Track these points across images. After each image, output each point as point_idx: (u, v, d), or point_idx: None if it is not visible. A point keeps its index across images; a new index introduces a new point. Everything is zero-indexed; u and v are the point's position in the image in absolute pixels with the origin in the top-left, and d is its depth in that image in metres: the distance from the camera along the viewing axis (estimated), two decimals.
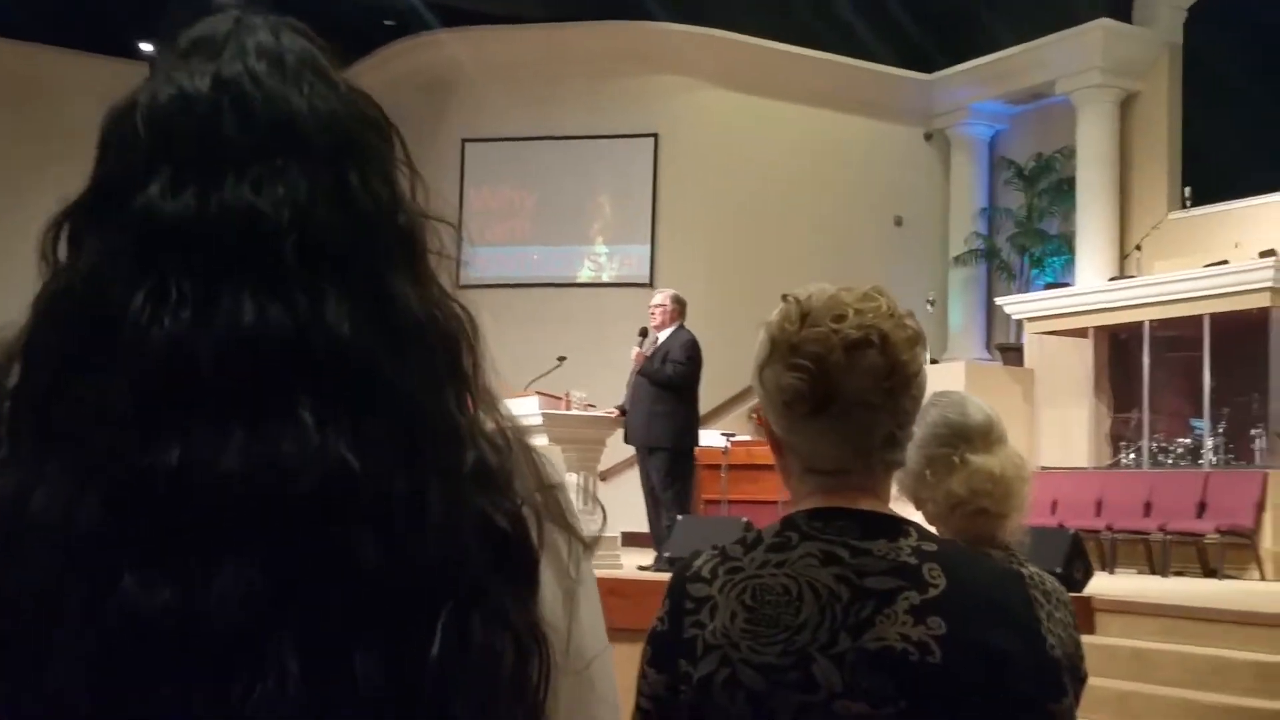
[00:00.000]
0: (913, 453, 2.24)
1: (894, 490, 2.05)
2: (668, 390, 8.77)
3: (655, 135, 15.79)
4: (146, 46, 15.61)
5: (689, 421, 8.92)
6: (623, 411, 9.04)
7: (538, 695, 0.85)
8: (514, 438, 0.92)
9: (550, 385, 9.26)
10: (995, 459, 2.25)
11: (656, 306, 9.05)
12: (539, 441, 8.56)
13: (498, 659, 0.82)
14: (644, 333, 9.02)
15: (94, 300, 0.83)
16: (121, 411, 0.80)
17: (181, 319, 0.81)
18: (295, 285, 0.83)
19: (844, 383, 1.54)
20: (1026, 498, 2.27)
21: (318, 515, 0.79)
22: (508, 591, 0.84)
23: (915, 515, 2.30)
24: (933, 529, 2.28)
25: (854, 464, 1.58)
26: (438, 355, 0.87)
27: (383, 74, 16.46)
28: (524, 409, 8.93)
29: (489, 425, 0.90)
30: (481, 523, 0.84)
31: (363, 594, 0.79)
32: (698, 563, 1.62)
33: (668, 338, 8.94)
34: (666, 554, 8.19)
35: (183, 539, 0.78)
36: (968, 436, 2.26)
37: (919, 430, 2.25)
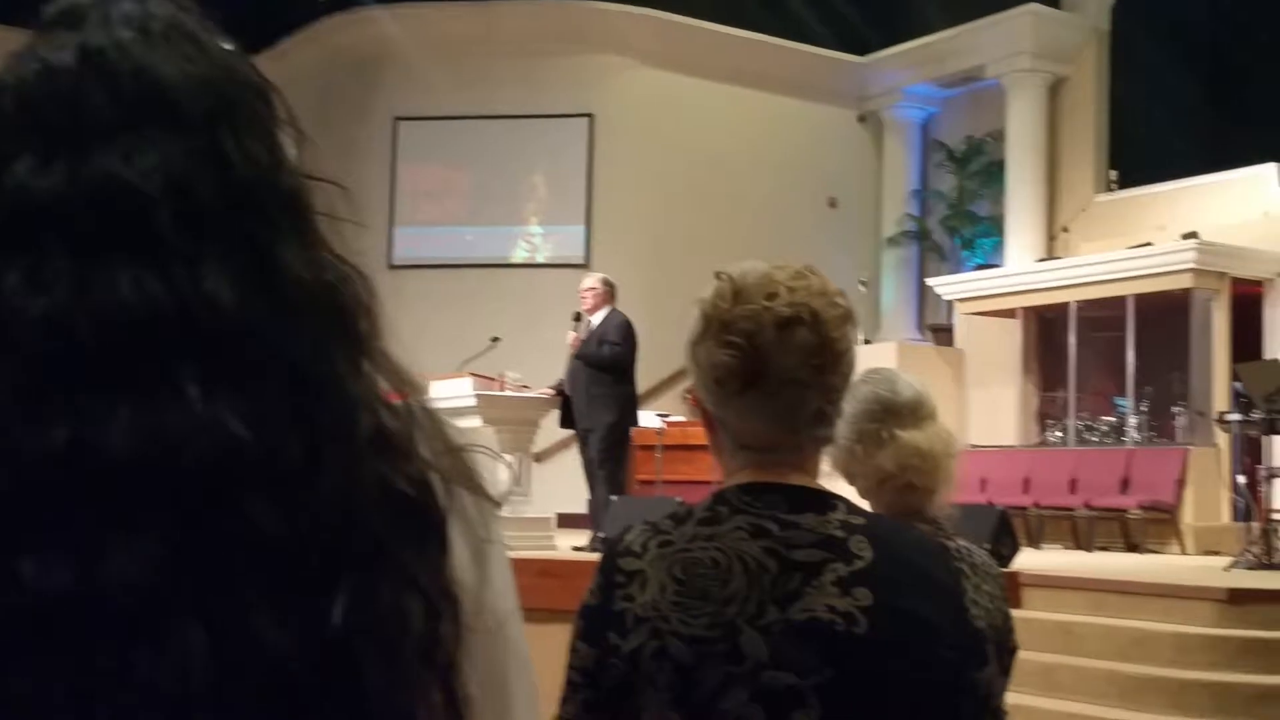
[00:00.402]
0: (844, 428, 2.26)
1: (826, 466, 2.09)
2: (605, 372, 8.78)
3: (590, 115, 15.75)
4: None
5: (627, 402, 8.94)
6: (559, 392, 9.04)
7: (449, 655, 0.84)
8: (415, 401, 0.91)
9: (484, 366, 9.23)
10: (923, 435, 2.28)
11: (587, 290, 9.05)
12: (471, 423, 8.58)
13: (405, 621, 0.82)
14: (577, 317, 9.02)
15: None
16: (3, 394, 0.79)
17: (58, 297, 0.79)
18: (172, 256, 0.81)
19: (775, 360, 1.56)
20: (954, 473, 2.30)
21: (210, 486, 0.78)
22: (414, 554, 0.83)
23: (849, 490, 2.35)
24: (865, 504, 2.33)
25: (784, 440, 1.60)
26: (329, 319, 0.85)
27: (315, 50, 16.30)
28: (458, 390, 8.90)
29: (388, 389, 0.89)
30: (382, 487, 0.83)
31: (262, 562, 0.78)
32: (629, 537, 1.63)
33: (601, 321, 8.93)
34: (602, 534, 8.21)
35: (77, 519, 0.76)
36: (897, 412, 2.29)
37: (850, 406, 2.29)
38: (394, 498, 0.84)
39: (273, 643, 0.77)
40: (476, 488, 0.93)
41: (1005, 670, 2.33)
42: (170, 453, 0.77)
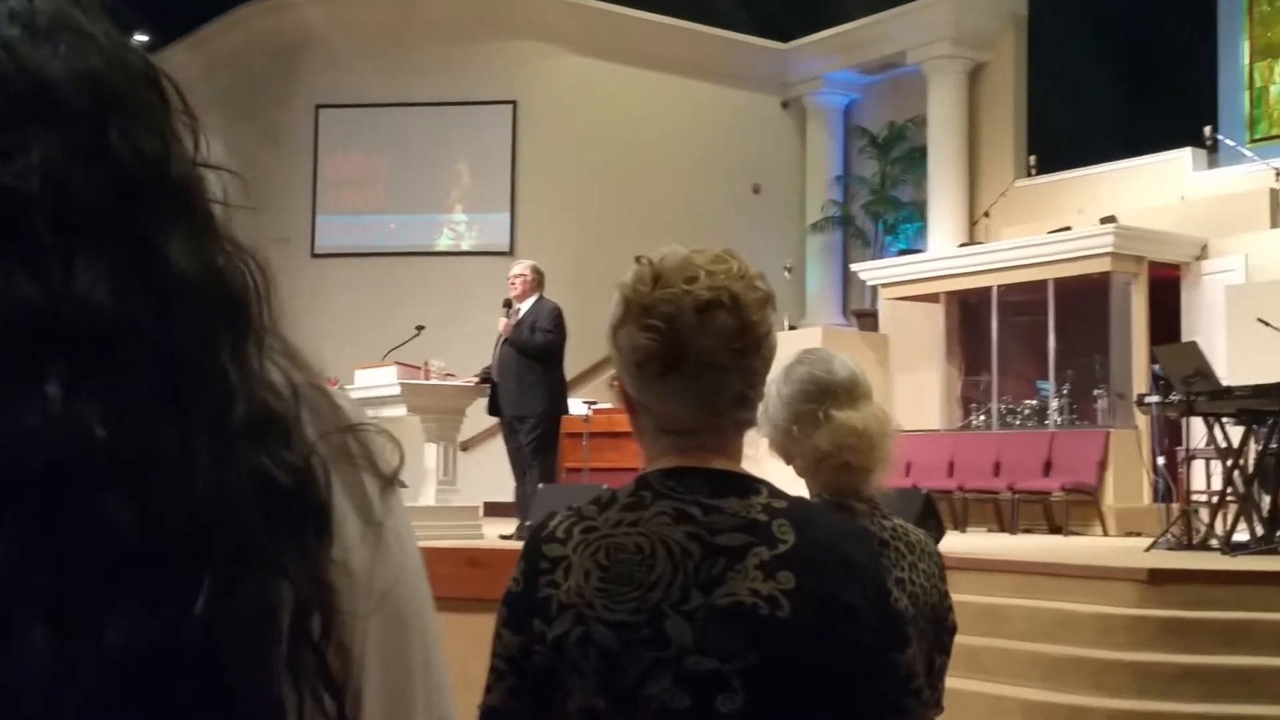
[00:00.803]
0: (781, 410, 2.28)
1: (765, 448, 2.08)
2: (536, 360, 8.74)
3: (514, 102, 15.68)
4: None
5: (558, 390, 8.91)
6: (484, 379, 8.99)
7: (325, 645, 0.83)
8: (304, 384, 0.89)
9: (408, 355, 9.17)
10: (859, 414, 2.29)
11: (516, 277, 9.00)
12: (396, 412, 8.51)
13: (270, 613, 0.80)
14: (508, 304, 8.97)
15: None
16: None
17: None
18: (47, 255, 0.79)
19: (695, 343, 1.56)
20: (890, 452, 2.32)
21: (63, 486, 0.77)
22: (286, 545, 0.82)
23: (787, 471, 2.35)
24: (802, 485, 2.33)
25: (705, 424, 1.60)
26: (213, 310, 0.84)
27: (234, 37, 16.09)
28: (382, 379, 8.84)
29: (275, 376, 0.87)
30: (257, 476, 0.82)
31: (114, 560, 0.77)
32: (552, 524, 1.63)
33: (531, 308, 8.89)
34: (529, 523, 8.18)
35: None
36: (833, 392, 2.30)
37: (786, 387, 2.29)
38: (270, 488, 0.82)
39: (115, 640, 0.76)
40: (366, 466, 0.92)
41: (945, 649, 2.34)
42: (21, 453, 0.76)
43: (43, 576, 0.75)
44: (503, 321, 8.87)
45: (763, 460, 1.70)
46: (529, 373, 8.72)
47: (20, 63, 0.83)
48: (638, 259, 1.63)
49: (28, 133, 0.81)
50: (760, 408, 2.30)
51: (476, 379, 9.02)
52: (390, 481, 0.93)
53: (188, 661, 0.77)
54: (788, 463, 2.36)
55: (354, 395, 8.72)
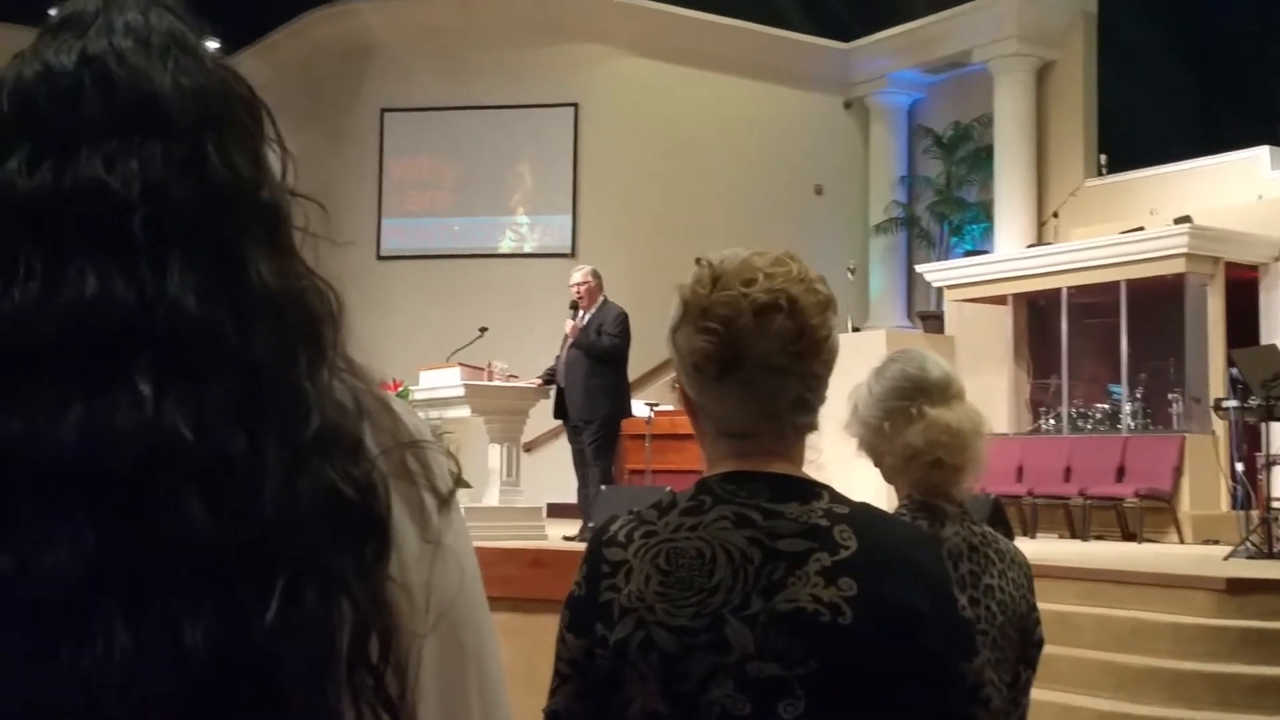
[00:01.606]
0: (873, 407, 2.29)
1: (826, 452, 2.04)
2: (602, 363, 8.75)
3: (575, 105, 15.73)
4: (54, 12, 15.23)
5: (623, 393, 8.94)
6: (546, 381, 9.00)
7: (382, 661, 0.86)
8: (369, 400, 0.93)
9: (472, 356, 9.22)
10: (953, 412, 2.28)
11: (579, 285, 9.01)
12: (460, 413, 8.55)
13: (333, 627, 0.83)
14: (574, 306, 8.98)
15: None
16: None
17: (29, 293, 0.83)
18: (142, 259, 0.84)
19: (752, 346, 1.56)
20: (982, 452, 2.32)
21: (149, 484, 0.80)
22: (349, 559, 0.85)
23: (873, 472, 2.31)
24: (890, 487, 2.30)
25: (763, 427, 1.60)
26: (290, 325, 0.88)
27: (301, 43, 16.27)
28: (446, 380, 8.88)
29: (342, 392, 0.91)
30: (325, 490, 0.85)
31: (192, 563, 0.80)
32: (614, 527, 1.64)
33: (596, 312, 8.91)
34: (591, 524, 8.18)
35: (19, 508, 0.79)
36: (926, 390, 2.29)
37: (878, 385, 2.29)
38: (336, 501, 0.85)
39: (193, 644, 0.78)
40: (425, 483, 0.95)
41: (1031, 663, 2.29)
42: (114, 449, 0.80)
43: (125, 572, 0.79)
44: (569, 324, 8.87)
45: (826, 465, 1.67)
46: (594, 376, 8.74)
47: (131, 74, 0.89)
48: (698, 261, 1.64)
49: (133, 141, 0.87)
50: (849, 407, 2.28)
51: (539, 380, 9.04)
52: (448, 499, 0.97)
53: (253, 670, 0.80)
54: (876, 463, 2.36)
55: (418, 396, 8.80)
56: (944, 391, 2.30)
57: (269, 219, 0.90)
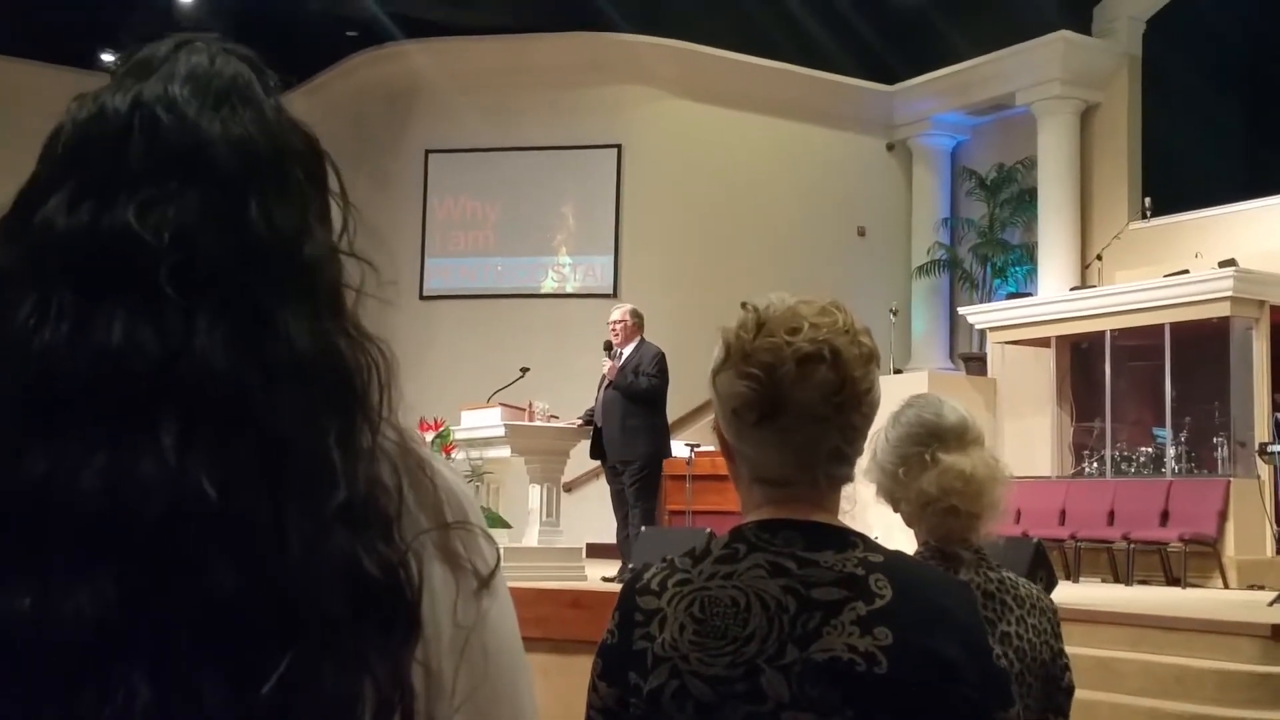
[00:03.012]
0: (888, 453, 2.27)
1: (859, 495, 2.04)
2: (640, 403, 8.74)
3: (619, 146, 15.79)
4: (107, 57, 15.50)
5: (662, 434, 8.92)
6: (587, 422, 9.01)
7: None
8: (412, 475, 0.91)
9: (513, 396, 9.24)
10: (968, 458, 2.25)
11: (616, 324, 9.02)
12: (501, 453, 8.57)
13: (351, 705, 0.81)
14: (608, 347, 8.99)
15: None
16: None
17: (59, 333, 0.82)
18: (171, 309, 0.83)
19: (793, 395, 1.55)
20: (1001, 499, 2.28)
21: (172, 540, 0.79)
22: (372, 638, 0.83)
23: (892, 518, 2.30)
24: (909, 530, 2.28)
25: (799, 476, 1.59)
26: (323, 392, 0.86)
27: (346, 85, 16.44)
28: (487, 420, 8.90)
29: (384, 466, 0.88)
30: (347, 564, 0.83)
31: (213, 623, 0.78)
32: (647, 575, 1.63)
33: (633, 351, 8.91)
34: (631, 565, 8.16)
35: (43, 553, 0.78)
36: (941, 436, 2.27)
37: (894, 431, 2.27)
38: (359, 578, 0.83)
39: (215, 704, 0.77)
40: (463, 565, 0.93)
41: (1061, 711, 2.25)
42: (137, 501, 0.79)
43: (147, 626, 0.77)
44: (608, 364, 8.88)
45: (860, 516, 1.66)
46: (632, 417, 8.72)
47: (179, 121, 0.88)
48: (743, 305, 1.63)
49: (169, 188, 0.86)
50: (867, 453, 2.27)
51: (580, 421, 9.04)
52: (486, 583, 0.94)
53: None
54: (894, 509, 2.33)
55: (459, 435, 8.83)
56: (960, 437, 2.28)
57: (308, 278, 0.88)
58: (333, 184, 0.95)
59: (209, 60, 0.92)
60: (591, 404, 9.06)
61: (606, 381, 8.88)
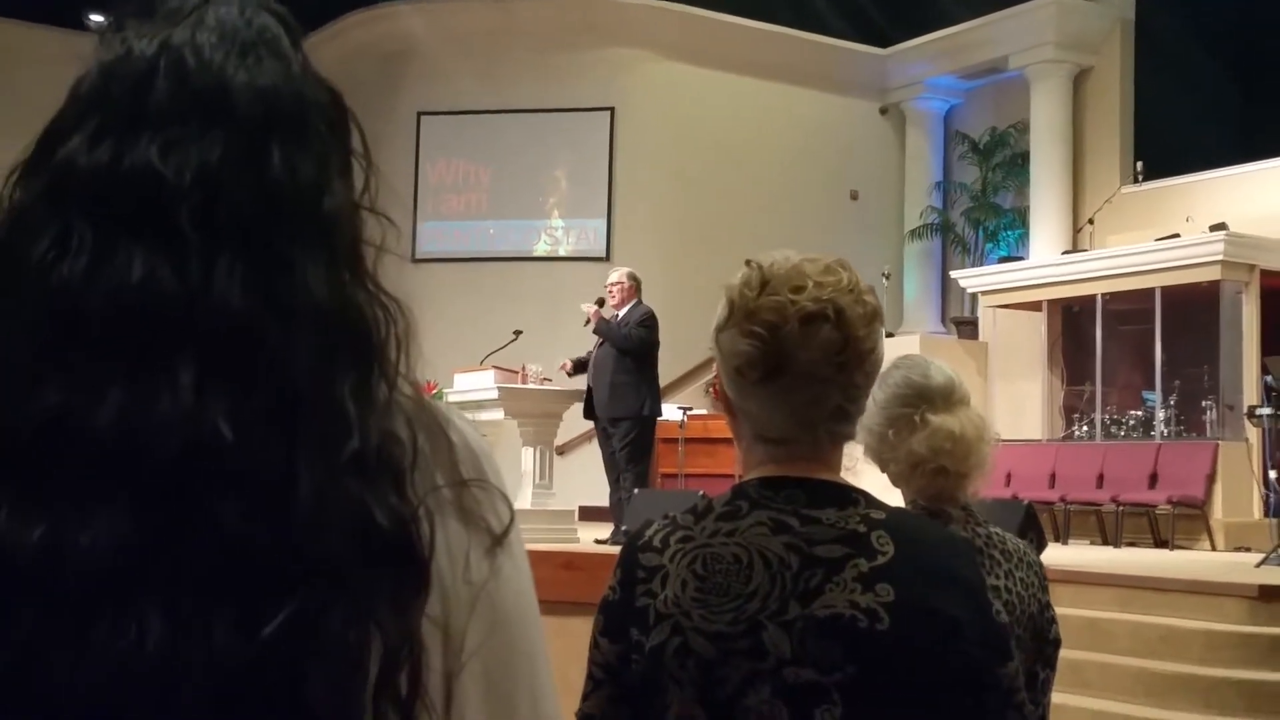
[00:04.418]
0: (876, 414, 2.26)
1: (860, 453, 2.07)
2: (628, 356, 8.74)
3: (611, 109, 15.72)
4: (96, 18, 15.38)
5: (651, 391, 8.91)
6: (576, 367, 9.00)
7: (411, 701, 0.84)
8: (429, 432, 0.91)
9: (506, 359, 9.24)
10: (955, 419, 2.26)
11: (614, 285, 9.02)
12: (494, 416, 8.57)
13: (356, 653, 0.81)
14: (601, 303, 9.00)
15: (10, 244, 0.85)
16: (15, 355, 0.81)
17: (77, 268, 0.82)
18: (191, 249, 0.83)
19: (796, 354, 1.54)
20: (988, 458, 2.29)
21: (186, 478, 0.79)
22: (381, 589, 0.83)
23: (880, 478, 2.32)
24: (896, 492, 2.31)
25: (800, 434, 1.58)
26: (338, 341, 0.86)
27: (338, 46, 16.32)
28: (480, 383, 8.91)
29: (399, 420, 0.89)
30: (357, 514, 0.83)
31: (223, 563, 0.79)
32: (649, 532, 1.62)
33: (627, 312, 8.92)
34: (624, 528, 8.19)
35: (58, 484, 0.79)
36: (929, 397, 2.28)
37: (882, 392, 2.28)
38: (369, 528, 0.83)
39: (224, 644, 0.78)
40: (477, 522, 0.93)
41: (1049, 663, 2.28)
42: (153, 438, 0.79)
43: (161, 561, 0.78)
44: (591, 308, 8.84)
45: (861, 473, 1.67)
46: (621, 373, 8.73)
47: (205, 66, 0.89)
48: (747, 263, 1.62)
49: (193, 131, 0.86)
50: None
51: (569, 364, 9.00)
52: (500, 540, 0.94)
53: (275, 680, 0.79)
54: (883, 469, 2.34)
55: (452, 398, 8.83)
56: (947, 398, 2.29)
57: (327, 228, 0.88)
58: (356, 143, 0.95)
59: (239, 12, 0.93)
60: (583, 355, 9.05)
61: (591, 325, 8.86)
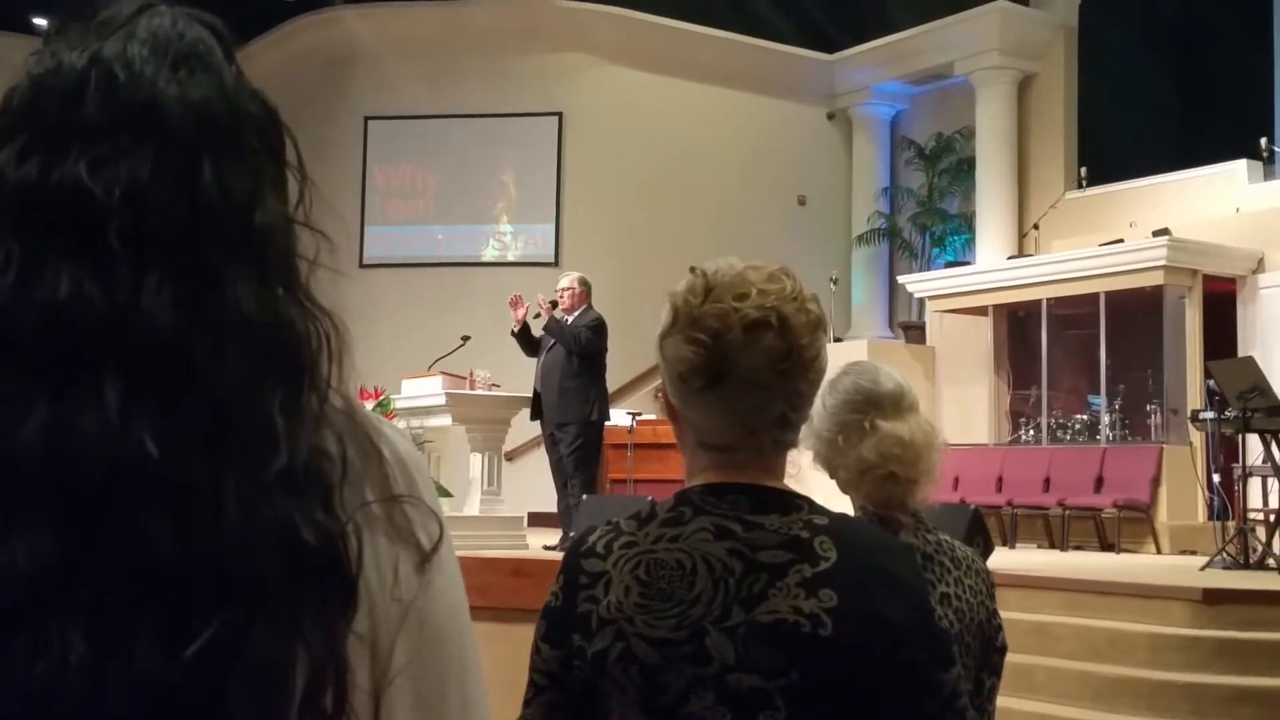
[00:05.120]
0: (826, 420, 2.27)
1: (804, 460, 2.06)
2: (575, 361, 8.74)
3: (559, 114, 15.72)
4: (40, 21, 15.20)
5: (599, 396, 8.91)
6: (522, 331, 8.98)
7: (337, 716, 0.84)
8: (360, 447, 0.91)
9: (454, 365, 9.21)
10: (905, 425, 2.27)
11: (564, 290, 9.03)
12: (441, 421, 8.53)
13: (283, 672, 0.81)
14: (553, 305, 8.99)
15: None
16: None
17: (4, 284, 0.82)
18: (119, 265, 0.83)
19: (739, 361, 1.54)
20: (936, 464, 2.30)
21: (110, 496, 0.79)
22: (307, 607, 0.83)
23: (829, 484, 2.32)
24: (845, 498, 2.30)
25: (744, 441, 1.58)
26: (265, 356, 0.85)
27: (284, 50, 16.22)
28: (428, 389, 8.86)
29: (329, 436, 0.88)
30: (284, 531, 0.83)
31: (149, 581, 0.78)
32: (592, 538, 1.62)
33: (576, 318, 8.91)
34: (573, 534, 8.17)
35: None
36: (879, 403, 2.28)
37: (831, 398, 2.28)
38: (295, 545, 0.83)
39: (146, 663, 0.77)
40: (405, 539, 0.92)
41: (995, 670, 2.29)
42: (78, 455, 0.78)
43: (84, 583, 0.77)
44: (545, 303, 8.84)
45: (805, 478, 1.67)
46: (570, 378, 8.75)
47: (135, 76, 0.88)
48: (692, 269, 1.62)
49: (122, 146, 0.85)
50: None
51: (545, 303, 8.92)
52: (428, 557, 0.94)
53: (200, 700, 0.78)
54: (831, 475, 2.34)
55: (400, 404, 8.78)
56: (897, 404, 2.29)
57: (260, 244, 0.88)
58: (291, 155, 0.95)
59: (171, 23, 0.91)
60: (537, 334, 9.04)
61: (539, 313, 8.84)
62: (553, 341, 8.88)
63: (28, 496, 0.78)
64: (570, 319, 8.89)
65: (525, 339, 9.05)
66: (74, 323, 0.81)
